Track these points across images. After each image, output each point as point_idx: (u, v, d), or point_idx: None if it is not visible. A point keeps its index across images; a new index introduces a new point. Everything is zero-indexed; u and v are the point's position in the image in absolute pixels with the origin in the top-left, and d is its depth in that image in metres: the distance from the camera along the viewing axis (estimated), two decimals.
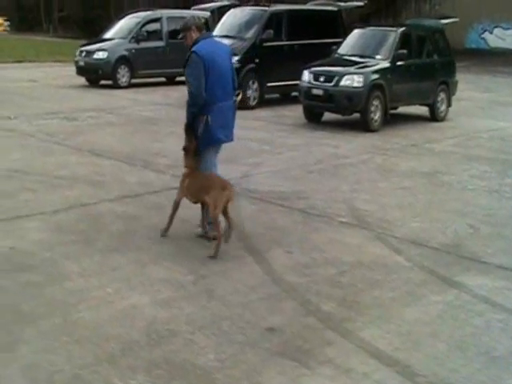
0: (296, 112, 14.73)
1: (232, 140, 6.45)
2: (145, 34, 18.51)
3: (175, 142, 10.82)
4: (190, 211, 6.59)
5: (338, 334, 4.53)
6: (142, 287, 5.17)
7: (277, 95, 16.81)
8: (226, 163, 9.41)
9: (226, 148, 10.54)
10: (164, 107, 15.37)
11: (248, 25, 15.70)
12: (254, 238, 6.41)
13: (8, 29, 18.24)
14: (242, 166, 9.48)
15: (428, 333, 4.58)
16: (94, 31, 45.03)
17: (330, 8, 17.23)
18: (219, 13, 21.39)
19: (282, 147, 10.93)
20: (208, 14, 20.53)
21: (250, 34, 15.42)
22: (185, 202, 6.28)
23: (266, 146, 11.02)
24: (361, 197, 8.01)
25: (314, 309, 4.90)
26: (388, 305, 5.03)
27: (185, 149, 6.19)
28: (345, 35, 16.63)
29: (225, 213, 5.98)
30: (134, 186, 8.19)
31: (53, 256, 5.75)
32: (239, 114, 13.40)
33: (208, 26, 19.48)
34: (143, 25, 18.72)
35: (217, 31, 16.32)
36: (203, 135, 6.06)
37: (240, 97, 6.56)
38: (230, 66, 6.22)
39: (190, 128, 6.11)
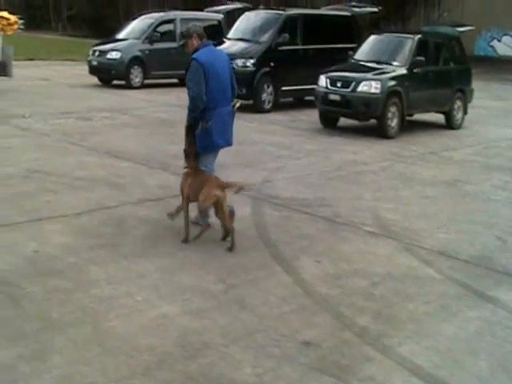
0: (311, 116, 14.64)
1: (231, 144, 6.60)
2: (158, 35, 18.42)
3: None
4: (213, 218, 6.49)
5: (376, 349, 4.41)
6: (171, 296, 5.06)
7: (290, 99, 16.68)
8: (246, 168, 9.37)
9: (244, 152, 10.54)
10: (178, 109, 15.20)
11: (263, 28, 15.60)
12: (281, 246, 6.29)
13: (22, 27, 18.13)
14: (262, 170, 9.38)
15: (467, 350, 4.47)
16: (102, 30, 45.05)
17: (344, 13, 17.10)
18: (232, 15, 21.30)
19: (300, 152, 10.83)
20: (221, 16, 20.40)
21: (266, 37, 15.32)
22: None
23: (284, 150, 10.91)
24: (384, 205, 7.89)
25: (349, 322, 4.79)
26: (423, 319, 4.92)
27: (185, 151, 6.32)
28: (359, 40, 16.61)
29: (217, 213, 6.17)
30: (155, 190, 8.08)
31: (78, 261, 5.64)
32: (254, 117, 13.39)
33: (221, 28, 19.46)
34: (157, 26, 18.64)
35: (231, 34, 16.27)
36: (202, 140, 6.20)
37: (238, 104, 6.61)
38: (229, 73, 6.37)
39: (191, 131, 6.25)
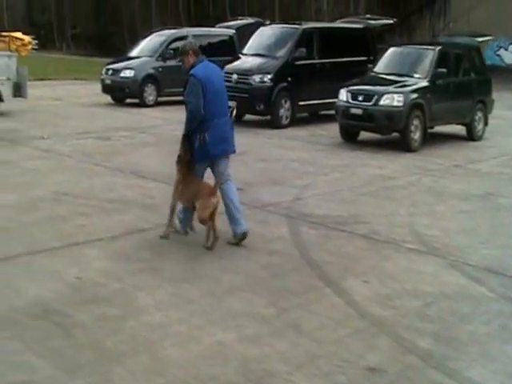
0: (329, 131, 14.55)
1: (233, 152, 6.85)
2: (171, 52, 18.33)
3: None
4: (257, 238, 6.38)
5: (443, 373, 4.27)
6: (223, 321, 4.92)
7: (305, 114, 16.56)
8: (274, 186, 9.26)
9: (269, 169, 10.43)
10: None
11: (280, 43, 15.52)
12: (325, 267, 6.17)
13: (36, 47, 18.15)
14: (291, 188, 9.26)
15: None
16: (107, 48, 45.11)
17: (360, 26, 17.04)
18: (244, 31, 21.29)
19: (325, 168, 10.71)
20: (233, 31, 20.37)
21: (282, 52, 15.24)
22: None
23: (308, 166, 10.80)
24: (421, 221, 7.76)
25: (410, 345, 4.64)
26: (486, 341, 4.78)
27: (179, 157, 6.70)
28: (374, 53, 16.55)
29: (212, 220, 6.45)
30: None
31: (124, 287, 5.51)
32: (273, 133, 13.29)
33: (234, 43, 19.42)
34: (169, 43, 18.57)
35: (247, 49, 16.21)
36: (200, 151, 6.52)
37: (235, 112, 6.98)
38: (224, 86, 6.81)
39: (187, 140, 6.60)
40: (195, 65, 6.54)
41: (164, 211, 7.64)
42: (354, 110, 12.63)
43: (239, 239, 6.67)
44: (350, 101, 12.71)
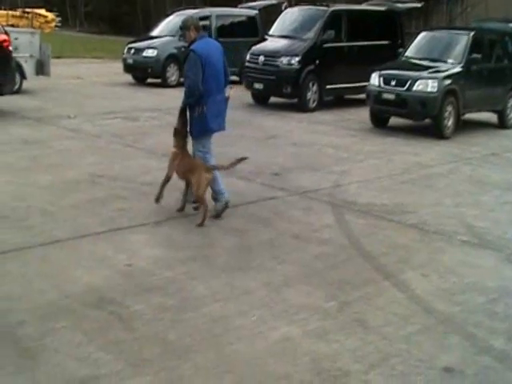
0: (357, 116, 14.32)
1: (224, 129, 6.98)
2: None
3: (247, 146, 10.47)
4: (304, 227, 6.20)
5: None
6: (286, 315, 4.74)
7: (331, 98, 16.28)
8: (311, 171, 9.05)
9: (303, 155, 10.21)
10: None
11: (307, 25, 15.23)
12: (380, 259, 5.97)
13: (59, 25, 17.72)
14: (329, 174, 9.05)
15: None
16: (120, 27, 44.82)
17: (388, 9, 16.70)
18: (266, 11, 20.97)
19: (359, 154, 10.49)
20: (256, 12, 20.03)
21: (310, 34, 14.95)
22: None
23: (343, 152, 10.58)
24: (469, 212, 7.55)
25: (485, 345, 4.46)
26: None
27: (176, 130, 6.81)
28: (402, 37, 16.25)
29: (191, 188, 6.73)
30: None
31: (176, 276, 5.34)
32: (301, 117, 13.09)
33: (256, 24, 19.11)
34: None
35: (274, 31, 15.92)
36: (198, 125, 6.66)
37: (232, 90, 7.17)
38: (223, 62, 6.83)
39: (184, 113, 6.76)
40: (196, 40, 6.64)
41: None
42: (386, 95, 12.39)
43: (222, 210, 6.85)
44: (383, 85, 12.46)
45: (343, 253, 6.07)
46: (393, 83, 12.30)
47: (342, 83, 15.13)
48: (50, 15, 16.98)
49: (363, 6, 16.82)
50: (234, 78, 17.90)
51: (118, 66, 19.65)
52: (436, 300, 5.13)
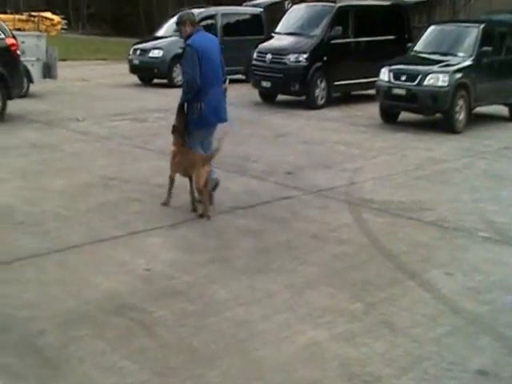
0: (365, 111, 14.23)
1: (225, 121, 7.06)
2: None
3: (257, 144, 10.38)
4: (322, 226, 6.09)
5: None
6: (310, 318, 4.64)
7: (338, 94, 16.15)
8: (324, 169, 8.95)
9: (315, 152, 10.10)
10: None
11: (314, 21, 15.10)
12: (401, 257, 5.86)
13: (66, 27, 17.52)
14: (342, 171, 8.95)
15: None
16: (123, 28, 44.69)
17: (395, 3, 16.57)
18: (270, 9, 20.85)
19: (371, 150, 10.37)
20: (261, 10, 19.92)
21: (318, 31, 14.83)
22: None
23: (354, 149, 10.47)
24: (488, 207, 7.44)
25: None
26: None
27: (174, 127, 6.89)
28: (409, 32, 16.12)
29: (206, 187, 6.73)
30: (242, 196, 7.69)
31: (196, 280, 5.25)
32: (310, 114, 12.98)
33: (262, 22, 19.00)
34: (197, 22, 18.11)
35: (280, 28, 15.82)
36: (196, 118, 6.71)
37: (227, 82, 7.15)
38: (219, 56, 6.89)
39: (182, 110, 6.82)
40: (192, 35, 6.71)
41: (220, 197, 7.39)
42: (396, 90, 12.27)
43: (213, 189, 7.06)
44: (393, 80, 12.34)
45: (364, 252, 5.96)
46: (403, 78, 12.18)
47: (349, 79, 15.02)
48: (56, 18, 16.86)
49: (370, 2, 16.66)
50: (239, 76, 17.87)
51: (123, 67, 19.57)
52: (463, 299, 5.02)
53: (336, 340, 4.33)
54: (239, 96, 15.15)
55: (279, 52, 14.66)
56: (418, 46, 13.38)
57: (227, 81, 7.14)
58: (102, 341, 4.21)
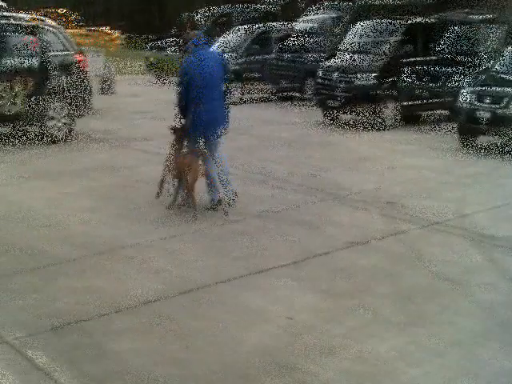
0: (438, 134, 13.67)
1: (219, 136, 7.41)
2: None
3: (343, 170, 9.85)
4: (454, 268, 5.54)
5: None
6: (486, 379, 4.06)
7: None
8: (423, 199, 8.37)
9: (406, 179, 9.51)
10: (293, 127, 14.36)
11: (383, 38, 14.58)
12: None
13: (123, 42, 17.22)
14: (444, 202, 8.37)
15: None
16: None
17: (463, 20, 16.00)
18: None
19: (466, 177, 9.75)
20: (314, 25, 19.44)
21: (386, 48, 14.30)
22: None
23: (445, 176, 9.88)
24: None
25: None
26: None
27: (174, 129, 7.28)
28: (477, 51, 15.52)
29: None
30: (351, 229, 7.18)
31: (347, 332, 4.71)
32: (381, 136, 12.30)
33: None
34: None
35: (346, 45, 15.29)
36: (191, 126, 7.16)
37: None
38: (220, 71, 7.24)
39: (182, 113, 7.21)
40: (193, 42, 7.19)
41: (330, 231, 6.88)
42: (480, 113, 11.66)
43: (215, 205, 7.41)
44: (476, 103, 11.75)
45: None
46: (487, 100, 11.60)
47: (419, 99, 14.44)
48: (116, 34, 16.72)
49: (440, 19, 16.08)
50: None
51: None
52: None
53: None
54: (301, 115, 14.71)
55: (346, 71, 14.16)
56: (498, 66, 12.79)
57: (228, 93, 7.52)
58: None
